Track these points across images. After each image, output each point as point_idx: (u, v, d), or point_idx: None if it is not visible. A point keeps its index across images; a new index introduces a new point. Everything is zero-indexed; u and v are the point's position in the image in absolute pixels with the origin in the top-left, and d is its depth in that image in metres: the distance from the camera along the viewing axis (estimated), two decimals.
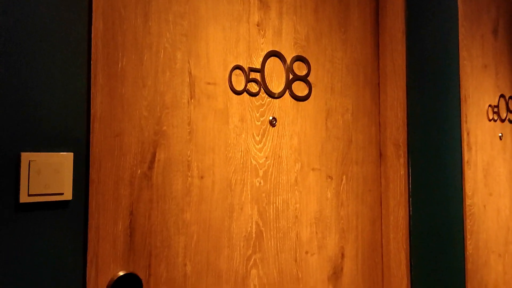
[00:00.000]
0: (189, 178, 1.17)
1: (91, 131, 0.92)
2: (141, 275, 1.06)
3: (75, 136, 0.90)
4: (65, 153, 0.89)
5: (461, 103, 1.98)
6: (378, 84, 1.66)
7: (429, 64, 1.75)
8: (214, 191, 1.22)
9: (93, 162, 0.93)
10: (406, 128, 1.63)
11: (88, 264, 0.91)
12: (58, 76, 0.89)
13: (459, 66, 1.94)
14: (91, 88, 0.91)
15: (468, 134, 2.05)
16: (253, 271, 1.29)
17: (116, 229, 1.03)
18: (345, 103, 1.55)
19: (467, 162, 2.01)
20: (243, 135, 1.29)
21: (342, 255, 1.51)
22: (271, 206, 1.34)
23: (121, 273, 1.02)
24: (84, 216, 0.90)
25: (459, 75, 1.93)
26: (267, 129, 1.35)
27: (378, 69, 1.66)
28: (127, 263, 1.04)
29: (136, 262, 1.06)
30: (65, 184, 0.88)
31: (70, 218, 0.89)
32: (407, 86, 1.63)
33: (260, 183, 1.32)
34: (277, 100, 1.37)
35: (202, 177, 1.19)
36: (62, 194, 0.87)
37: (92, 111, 0.92)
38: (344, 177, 1.54)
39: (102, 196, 1.01)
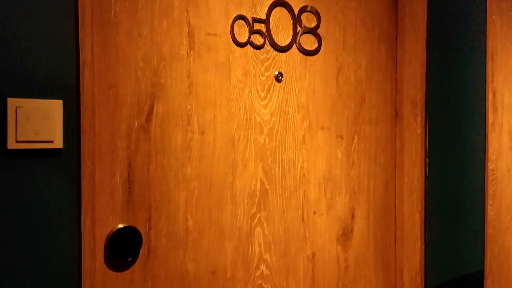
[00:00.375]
0: (189, 133, 1.13)
1: (81, 78, 0.89)
2: (141, 228, 1.05)
3: (64, 83, 0.87)
4: (54, 100, 0.86)
5: (488, 61, 1.84)
6: (396, 38, 1.55)
7: (452, 17, 1.62)
8: (216, 147, 1.18)
9: (85, 111, 0.90)
10: (424, 86, 1.53)
11: (82, 214, 0.89)
12: (45, 20, 0.85)
13: (486, 20, 1.79)
14: (80, 33, 0.88)
15: (494, 95, 1.92)
16: (258, 229, 1.25)
17: (114, 181, 1.01)
18: (358, 59, 1.46)
19: (491, 124, 1.89)
20: (247, 90, 1.23)
21: (353, 216, 1.46)
22: (277, 164, 1.29)
23: (120, 226, 1.01)
24: (77, 165, 0.88)
25: (486, 30, 1.79)
26: (273, 85, 1.29)
27: (396, 21, 1.55)
28: (126, 216, 1.03)
29: (136, 215, 1.04)
30: (55, 132, 0.85)
31: (62, 167, 0.87)
32: (427, 40, 1.52)
33: (265, 140, 1.27)
34: (284, 54, 1.30)
35: (203, 133, 1.15)
36: (52, 142, 0.85)
37: (81, 57, 0.88)
38: (355, 137, 1.46)
39: (98, 148, 0.99)
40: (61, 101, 0.87)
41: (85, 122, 0.90)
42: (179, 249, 1.11)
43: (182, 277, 1.11)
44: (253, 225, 1.24)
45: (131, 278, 1.03)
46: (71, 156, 0.88)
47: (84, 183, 0.89)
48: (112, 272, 1.00)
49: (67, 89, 0.88)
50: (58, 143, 0.86)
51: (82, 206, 0.89)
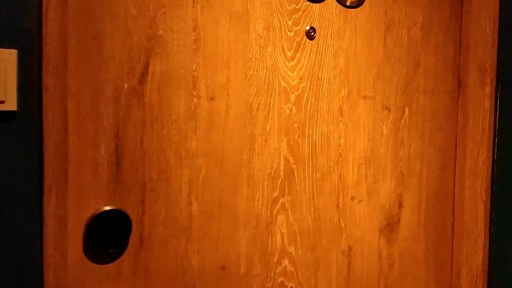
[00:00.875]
0: (195, 99, 0.89)
1: (44, 22, 0.67)
2: (132, 212, 0.83)
3: (20, 28, 0.66)
4: (6, 49, 0.65)
5: None
6: None
7: None
8: (229, 116, 0.93)
9: (49, 65, 0.69)
10: (496, 48, 1.18)
11: (45, 194, 0.69)
12: None
13: None
14: None
15: None
16: (280, 217, 1.00)
17: (97, 154, 0.80)
18: (412, 13, 1.14)
19: None
20: (269, 49, 0.97)
21: (400, 204, 1.16)
22: (306, 139, 1.02)
23: (106, 208, 0.80)
24: (39, 133, 0.67)
25: None
26: (303, 42, 1.01)
27: None
28: (113, 197, 0.81)
29: (125, 196, 0.82)
30: (6, 90, 0.65)
31: (17, 134, 0.66)
32: None
33: (291, 110, 1.00)
34: (318, 4, 1.01)
35: (212, 98, 0.91)
36: (3, 102, 0.64)
37: None
38: (406, 109, 1.15)
39: (75, 113, 0.77)
40: (15, 51, 0.66)
41: (48, 79, 0.68)
42: (181, 238, 0.89)
43: (184, 272, 0.89)
44: (274, 212, 0.99)
45: (118, 271, 0.82)
46: (30, 122, 0.67)
47: (47, 156, 0.68)
48: (93, 264, 0.80)
49: (25, 36, 0.66)
50: (11, 105, 0.65)
51: (45, 184, 0.68)
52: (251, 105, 0.95)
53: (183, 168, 0.88)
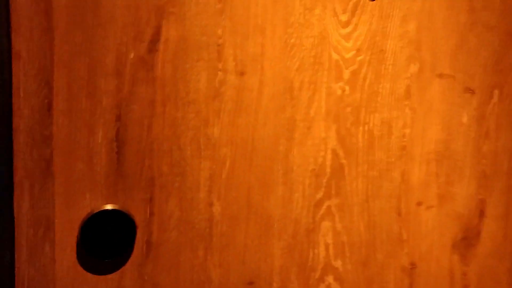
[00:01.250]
0: (220, 73, 0.69)
1: None
2: (138, 213, 0.66)
3: None
4: None
5: None
6: None
7: None
8: (263, 96, 0.72)
9: (19, 24, 0.52)
10: None
11: (15, 189, 0.53)
12: None
13: None
14: None
15: None
16: (325, 224, 0.79)
17: (93, 140, 0.63)
18: None
19: None
20: (318, 11, 0.74)
21: (481, 213, 0.90)
22: (361, 128, 0.79)
23: (106, 207, 0.64)
24: (6, 111, 0.51)
25: None
26: (362, 4, 0.77)
27: None
28: (113, 194, 0.65)
29: (129, 194, 0.66)
30: None
31: None
32: None
33: (343, 90, 0.77)
34: None
35: (242, 73, 0.71)
36: None
37: None
38: (495, 92, 0.88)
39: (66, 88, 0.61)
40: None
41: (19, 44, 0.51)
42: (198, 247, 0.71)
43: None
44: (317, 218, 0.78)
45: (119, 285, 0.66)
46: None
47: (18, 142, 0.52)
48: (89, 274, 0.64)
49: None
50: None
51: (15, 178, 0.52)
52: (292, 82, 0.74)
53: (202, 161, 0.69)
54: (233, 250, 0.73)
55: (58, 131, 0.60)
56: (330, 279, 0.81)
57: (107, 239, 0.63)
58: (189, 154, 0.69)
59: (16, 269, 0.54)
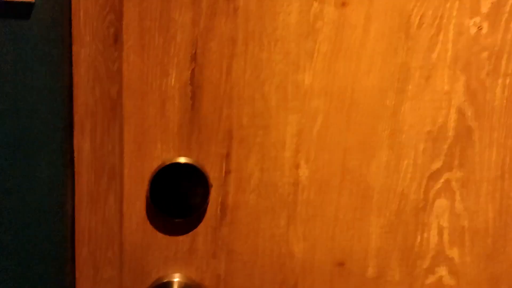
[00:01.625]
0: (316, 4, 0.55)
1: None
2: (212, 169, 0.57)
3: None
4: None
5: None
6: None
7: None
8: (369, 35, 0.57)
9: None
10: None
11: (75, 130, 0.46)
12: None
13: None
14: None
15: None
16: (441, 202, 0.62)
17: (166, 83, 0.54)
18: None
19: None
20: None
21: None
22: (500, 80, 0.59)
23: (178, 160, 0.55)
24: (68, 39, 0.44)
25: None
26: None
27: None
28: (186, 146, 0.56)
29: (203, 147, 0.56)
30: None
31: (32, 36, 0.44)
32: None
33: (479, 28, 0.58)
34: None
35: (343, 4, 0.56)
36: None
37: None
38: None
39: (137, 19, 0.52)
40: None
41: None
42: (280, 215, 0.59)
43: (282, 262, 0.61)
44: (431, 193, 0.62)
45: (190, 248, 0.58)
46: (53, 21, 0.44)
47: (78, 75, 0.45)
48: (160, 234, 0.57)
49: None
50: None
51: (75, 117, 0.45)
52: (409, 17, 0.57)
53: (289, 113, 0.57)
54: (320, 223, 0.60)
55: (129, 68, 0.52)
56: (442, 271, 0.64)
57: (178, 196, 0.55)
58: (274, 105, 0.57)
59: (75, 218, 0.49)
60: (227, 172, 0.58)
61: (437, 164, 0.61)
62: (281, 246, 0.60)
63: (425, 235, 0.63)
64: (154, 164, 0.56)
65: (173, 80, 0.54)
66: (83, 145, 0.49)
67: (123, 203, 0.55)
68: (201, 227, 0.58)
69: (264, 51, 0.56)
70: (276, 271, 0.61)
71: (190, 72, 0.55)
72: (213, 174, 0.57)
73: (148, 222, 0.57)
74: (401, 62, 0.58)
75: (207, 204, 0.58)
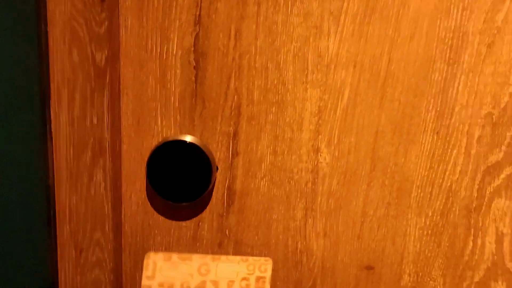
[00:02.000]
0: None
1: None
2: (218, 150, 0.50)
3: None
4: None
5: None
6: None
7: None
8: None
9: None
10: None
11: (52, 97, 0.42)
12: None
13: None
14: None
15: None
16: (501, 202, 0.50)
17: (165, 49, 0.48)
18: None
19: None
20: None
21: None
22: None
23: (182, 138, 0.49)
24: None
25: None
26: None
27: None
28: (190, 122, 0.50)
29: (208, 123, 0.50)
30: None
31: None
32: None
33: None
34: None
35: None
36: None
37: None
38: None
39: None
40: None
41: None
42: (297, 206, 0.51)
43: (298, 260, 0.53)
44: (488, 191, 0.49)
45: (194, 235, 0.52)
46: None
47: (55, 33, 0.40)
48: (162, 218, 0.52)
49: None
50: None
51: (51, 83, 0.41)
52: None
53: (308, 87, 0.48)
54: (345, 218, 0.51)
55: (126, 33, 0.47)
56: (499, 286, 0.51)
57: (180, 178, 0.49)
58: (291, 77, 0.48)
59: (56, 194, 0.45)
60: (235, 153, 0.50)
61: (496, 156, 0.48)
62: (297, 241, 0.52)
63: (479, 241, 0.51)
64: (154, 141, 0.50)
65: (174, 46, 0.48)
66: (60, 116, 0.45)
67: (122, 182, 0.50)
68: (205, 213, 0.52)
69: (280, 12, 0.47)
70: (290, 268, 0.53)
71: (193, 37, 0.48)
72: (219, 155, 0.50)
73: (148, 204, 0.52)
74: (455, 26, 0.46)
75: (212, 188, 0.51)
